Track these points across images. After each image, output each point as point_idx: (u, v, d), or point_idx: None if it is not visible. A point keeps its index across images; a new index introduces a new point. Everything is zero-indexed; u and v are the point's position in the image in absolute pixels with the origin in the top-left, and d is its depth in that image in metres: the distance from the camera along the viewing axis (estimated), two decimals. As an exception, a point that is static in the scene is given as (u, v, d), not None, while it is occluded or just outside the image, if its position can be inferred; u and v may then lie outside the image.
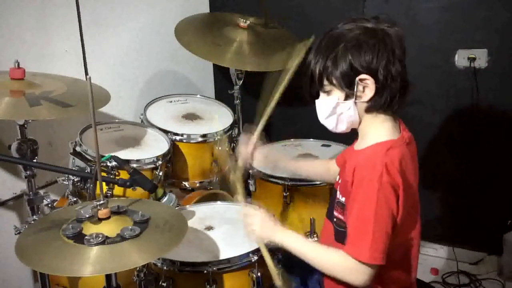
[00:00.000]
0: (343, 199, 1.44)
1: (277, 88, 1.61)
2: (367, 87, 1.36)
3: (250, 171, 2.24)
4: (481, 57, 2.47)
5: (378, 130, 1.41)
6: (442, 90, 2.60)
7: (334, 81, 1.38)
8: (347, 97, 1.39)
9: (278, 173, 2.13)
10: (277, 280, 1.46)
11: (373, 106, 1.38)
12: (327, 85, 1.40)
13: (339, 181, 1.52)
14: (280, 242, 1.47)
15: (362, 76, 1.34)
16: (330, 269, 1.40)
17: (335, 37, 1.38)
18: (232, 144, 2.45)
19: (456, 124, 2.60)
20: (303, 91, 1.47)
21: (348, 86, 1.37)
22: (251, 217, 1.52)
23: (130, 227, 1.33)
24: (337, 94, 1.40)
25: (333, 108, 1.41)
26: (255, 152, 1.73)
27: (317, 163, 1.90)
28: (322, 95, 1.44)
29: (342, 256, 1.35)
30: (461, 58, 2.51)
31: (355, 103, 1.39)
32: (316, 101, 1.46)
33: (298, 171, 1.89)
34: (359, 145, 1.47)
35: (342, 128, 1.45)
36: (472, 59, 2.48)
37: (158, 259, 1.61)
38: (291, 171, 1.98)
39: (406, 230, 1.40)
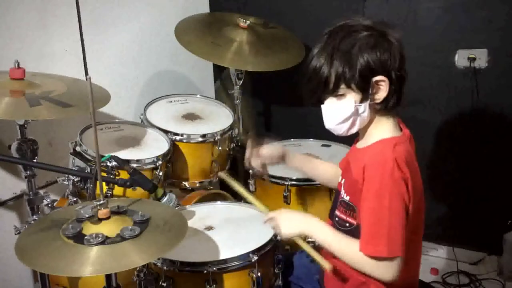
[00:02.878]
0: (347, 198, 1.44)
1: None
2: (380, 88, 1.36)
3: (250, 171, 2.23)
4: (481, 57, 2.47)
5: (382, 128, 1.42)
6: (442, 90, 2.60)
7: (352, 84, 1.36)
8: (362, 100, 1.38)
9: (279, 173, 2.13)
10: (325, 263, 1.45)
11: (384, 107, 1.39)
12: (342, 89, 1.37)
13: (342, 182, 1.52)
14: (309, 233, 1.47)
15: (379, 77, 1.35)
16: (356, 264, 1.39)
17: (345, 41, 1.36)
18: (232, 144, 2.45)
19: (456, 124, 2.60)
20: (305, 97, 1.44)
21: (364, 88, 1.36)
22: (275, 218, 1.53)
23: (130, 227, 1.33)
24: (353, 97, 1.38)
25: (351, 112, 1.39)
26: (262, 151, 1.74)
27: (328, 166, 1.80)
28: (331, 99, 1.41)
29: (362, 254, 1.35)
30: (461, 58, 2.51)
31: (370, 104, 1.38)
32: (325, 106, 1.43)
33: (308, 172, 1.85)
34: (362, 143, 1.47)
35: (353, 131, 1.44)
36: (472, 59, 2.48)
37: (158, 259, 1.61)
38: (299, 169, 1.89)
39: (411, 227, 1.40)
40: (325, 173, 1.77)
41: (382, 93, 1.36)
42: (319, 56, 1.39)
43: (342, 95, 1.38)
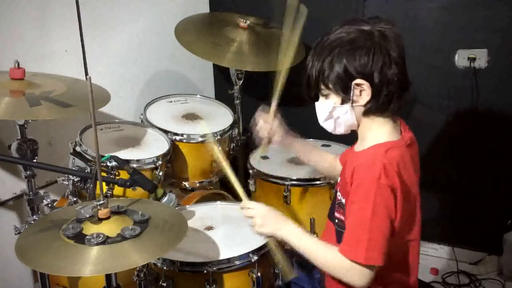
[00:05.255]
0: (343, 200, 1.44)
1: (283, 62, 1.65)
2: (363, 91, 1.35)
3: (250, 171, 2.24)
4: (481, 57, 2.47)
5: (377, 132, 1.41)
6: (442, 90, 2.60)
7: (330, 86, 1.38)
8: (343, 102, 1.38)
9: (279, 173, 2.13)
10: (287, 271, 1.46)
11: (370, 110, 1.38)
12: (324, 89, 1.40)
13: (339, 182, 1.52)
14: (282, 237, 1.46)
15: (358, 80, 1.34)
16: (329, 268, 1.39)
17: (331, 41, 1.37)
18: (232, 144, 2.45)
19: (456, 124, 2.60)
20: (302, 92, 1.46)
21: (344, 90, 1.36)
22: (252, 211, 1.50)
23: (131, 227, 1.34)
24: (334, 98, 1.40)
25: (329, 112, 1.41)
26: (277, 125, 1.76)
27: (327, 157, 1.83)
28: (321, 98, 1.44)
29: (340, 256, 1.35)
30: (461, 58, 2.51)
31: (352, 107, 1.38)
32: (316, 103, 1.46)
33: (307, 158, 1.85)
34: (358, 146, 1.47)
35: (340, 131, 1.45)
36: (472, 59, 2.48)
37: (158, 259, 1.61)
38: (301, 156, 1.90)
39: (406, 231, 1.40)
40: (323, 161, 1.80)
41: (365, 96, 1.35)
42: (309, 54, 1.42)
43: (327, 95, 1.41)
